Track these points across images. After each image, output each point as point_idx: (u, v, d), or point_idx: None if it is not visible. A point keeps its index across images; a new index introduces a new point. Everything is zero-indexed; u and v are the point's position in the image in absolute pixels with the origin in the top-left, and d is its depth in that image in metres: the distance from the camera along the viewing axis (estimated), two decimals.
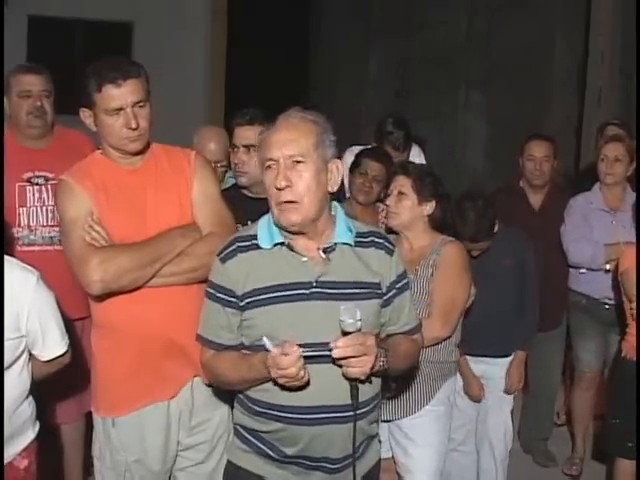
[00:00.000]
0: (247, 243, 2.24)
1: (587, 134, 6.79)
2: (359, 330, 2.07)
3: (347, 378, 2.13)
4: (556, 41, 8.14)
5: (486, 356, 3.69)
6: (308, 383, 2.12)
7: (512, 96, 8.47)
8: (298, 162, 2.14)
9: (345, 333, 2.06)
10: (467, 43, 9.25)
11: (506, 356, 3.76)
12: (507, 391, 3.76)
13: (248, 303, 2.20)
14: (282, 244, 2.21)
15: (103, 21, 10.13)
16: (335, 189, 2.24)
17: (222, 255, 2.25)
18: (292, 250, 2.20)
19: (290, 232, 2.20)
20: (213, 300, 2.26)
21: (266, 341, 2.07)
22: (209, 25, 10.68)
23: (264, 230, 2.24)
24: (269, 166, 2.17)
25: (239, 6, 10.81)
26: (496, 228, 3.61)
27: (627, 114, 6.30)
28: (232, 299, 2.22)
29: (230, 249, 2.25)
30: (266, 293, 2.18)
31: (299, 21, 12.08)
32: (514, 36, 8.41)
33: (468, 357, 3.62)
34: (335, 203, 2.30)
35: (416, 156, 4.84)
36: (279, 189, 2.14)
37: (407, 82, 9.99)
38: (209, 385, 2.62)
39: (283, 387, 2.13)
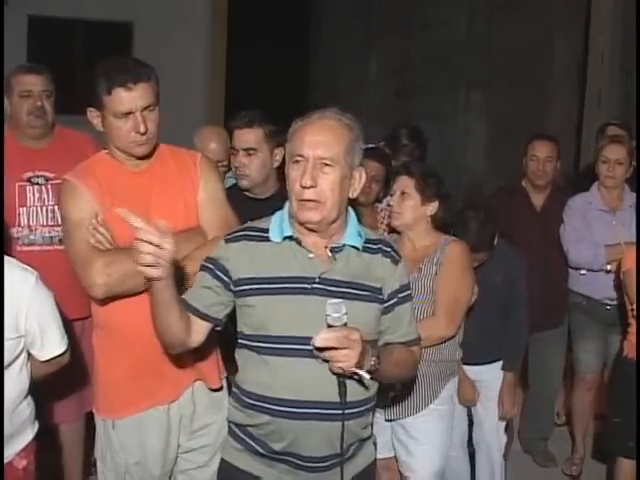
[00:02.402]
0: (256, 234, 2.26)
1: (587, 134, 6.78)
2: (344, 325, 2.08)
3: (334, 374, 2.13)
4: (556, 41, 8.13)
5: (477, 364, 3.65)
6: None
7: (512, 96, 8.46)
8: (326, 164, 2.16)
9: (331, 327, 2.07)
10: (467, 43, 9.24)
11: (497, 360, 3.71)
12: (502, 418, 3.72)
13: (249, 290, 2.21)
14: (291, 238, 2.23)
15: (103, 21, 10.11)
16: (355, 196, 2.25)
17: (228, 236, 2.29)
18: (300, 245, 2.22)
19: (305, 227, 2.21)
20: (202, 269, 2.29)
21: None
22: (209, 25, 10.66)
23: (276, 224, 2.26)
24: (297, 161, 2.18)
25: (239, 6, 10.79)
26: (496, 240, 3.59)
27: (627, 110, 6.30)
28: (220, 274, 2.24)
29: (238, 234, 2.28)
30: (269, 283, 2.19)
31: (299, 21, 12.05)
32: (514, 36, 8.40)
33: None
34: (349, 208, 2.31)
35: None
36: (303, 187, 2.15)
37: (407, 82, 9.97)
38: (211, 389, 2.62)
39: (272, 377, 2.15)
